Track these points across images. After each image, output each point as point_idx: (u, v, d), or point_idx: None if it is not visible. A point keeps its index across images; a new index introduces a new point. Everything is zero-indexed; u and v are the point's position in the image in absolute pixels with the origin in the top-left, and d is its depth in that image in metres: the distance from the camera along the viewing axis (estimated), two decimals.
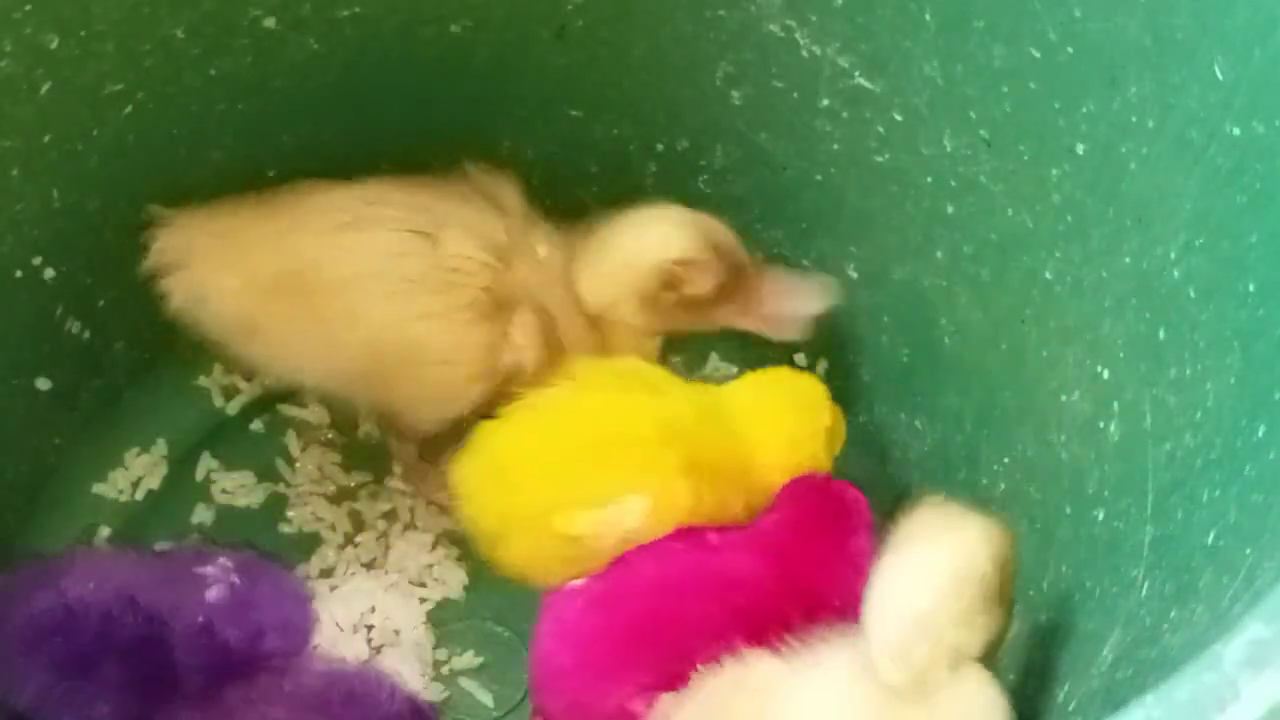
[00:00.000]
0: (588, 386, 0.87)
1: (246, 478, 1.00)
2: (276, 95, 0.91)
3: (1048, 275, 0.78)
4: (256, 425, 1.02)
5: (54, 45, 0.78)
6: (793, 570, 0.82)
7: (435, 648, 0.95)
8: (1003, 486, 0.87)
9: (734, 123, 0.91)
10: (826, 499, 0.86)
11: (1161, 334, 0.70)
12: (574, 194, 1.00)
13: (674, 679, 0.77)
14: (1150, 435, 0.71)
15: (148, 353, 0.91)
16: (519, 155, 0.98)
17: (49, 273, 0.89)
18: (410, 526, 0.99)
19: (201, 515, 0.98)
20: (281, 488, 1.00)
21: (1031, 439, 0.83)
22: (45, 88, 0.80)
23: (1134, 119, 0.68)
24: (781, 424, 0.88)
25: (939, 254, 0.86)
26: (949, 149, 0.80)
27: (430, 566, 0.97)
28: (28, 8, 0.75)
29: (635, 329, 0.92)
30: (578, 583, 0.83)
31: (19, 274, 0.87)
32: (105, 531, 0.97)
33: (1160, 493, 0.70)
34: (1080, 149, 0.72)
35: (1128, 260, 0.72)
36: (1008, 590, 0.70)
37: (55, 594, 0.82)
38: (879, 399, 0.96)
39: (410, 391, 0.91)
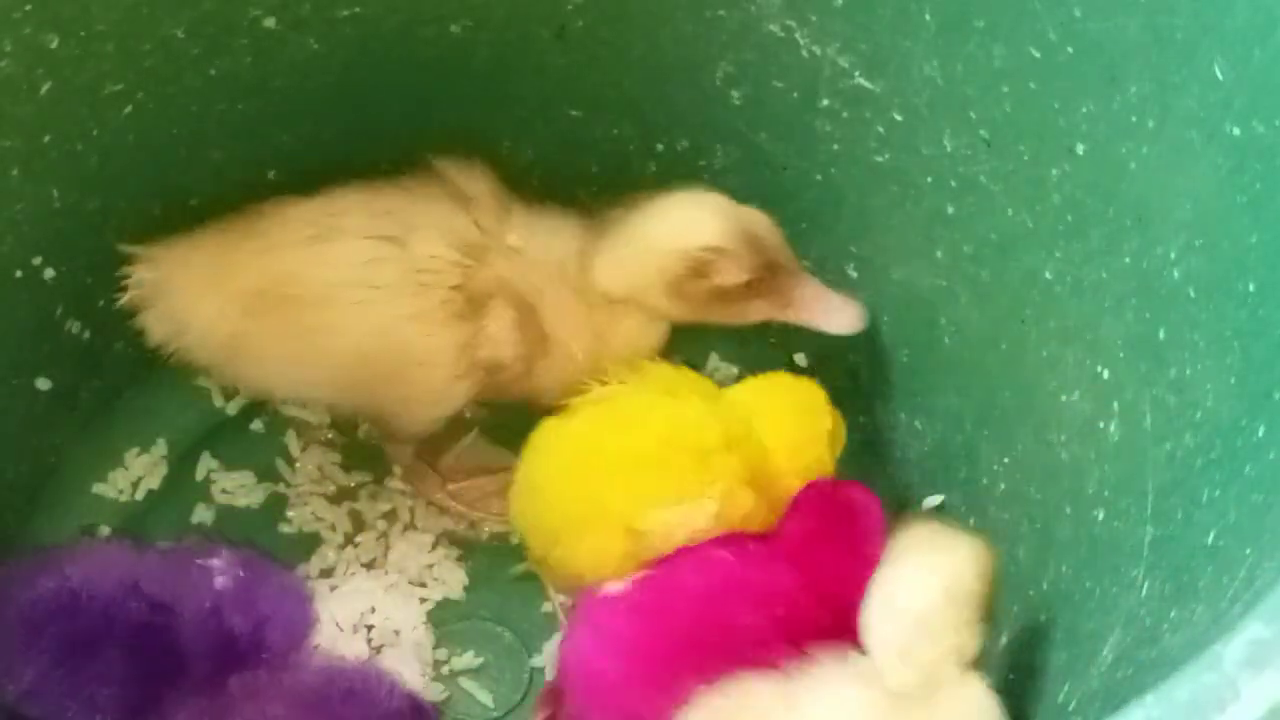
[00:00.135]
0: (647, 388, 0.88)
1: (246, 478, 1.00)
2: (276, 95, 0.91)
3: (1048, 275, 0.78)
4: (256, 425, 1.02)
5: (54, 45, 0.78)
6: (819, 579, 0.83)
7: (435, 648, 0.94)
8: (1003, 486, 0.87)
9: (734, 123, 0.91)
10: (841, 506, 0.86)
11: (1161, 334, 0.70)
12: (574, 194, 1.00)
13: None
14: (1150, 435, 0.71)
15: (148, 353, 0.91)
16: (519, 155, 0.98)
17: (49, 273, 0.89)
18: (410, 526, 0.99)
19: (201, 515, 0.98)
20: (281, 488, 1.00)
21: (1031, 439, 0.83)
22: (45, 88, 0.80)
23: (1134, 119, 0.68)
24: (785, 429, 0.88)
25: (939, 254, 0.86)
26: (949, 149, 0.80)
27: (430, 566, 0.97)
28: (28, 8, 0.75)
29: (643, 315, 0.91)
30: (617, 588, 0.83)
31: (19, 274, 0.87)
32: (105, 531, 0.97)
33: (1160, 493, 0.70)
34: (1080, 149, 0.72)
35: (1128, 260, 0.72)
36: (990, 607, 0.72)
37: (59, 578, 0.82)
38: (879, 399, 0.96)
39: (396, 395, 0.91)
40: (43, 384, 0.93)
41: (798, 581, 0.82)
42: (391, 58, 0.91)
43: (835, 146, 0.87)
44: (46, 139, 0.83)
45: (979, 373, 0.87)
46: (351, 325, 0.88)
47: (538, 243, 0.91)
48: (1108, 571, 0.74)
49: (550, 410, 0.90)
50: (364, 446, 1.01)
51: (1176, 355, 0.69)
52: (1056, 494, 0.81)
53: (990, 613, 0.72)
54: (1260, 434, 0.61)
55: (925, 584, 0.71)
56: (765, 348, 1.00)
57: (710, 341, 1.03)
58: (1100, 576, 0.75)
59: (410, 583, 0.96)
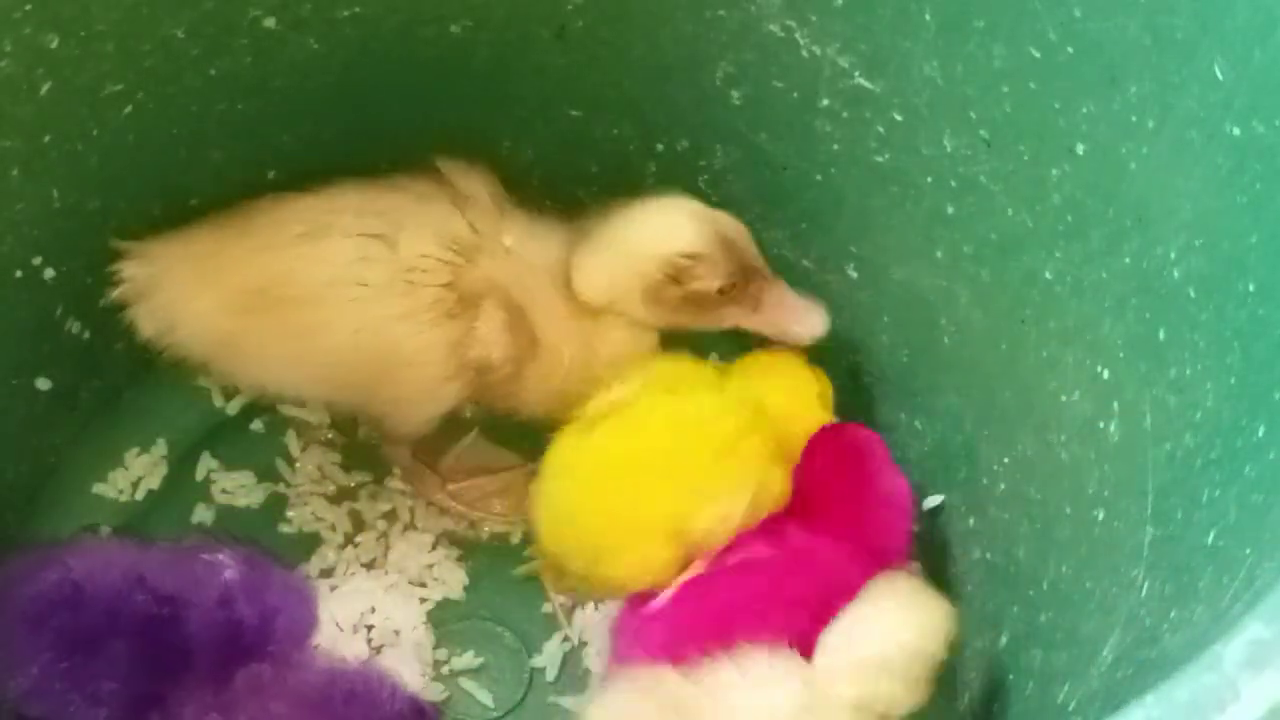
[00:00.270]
0: (652, 388, 0.88)
1: (246, 478, 1.00)
2: (276, 95, 0.91)
3: (1048, 275, 0.78)
4: (256, 425, 1.02)
5: (54, 45, 0.78)
6: (840, 525, 0.86)
7: (435, 648, 0.95)
8: (1003, 486, 0.87)
9: (734, 123, 0.91)
10: (847, 445, 0.89)
11: (1161, 334, 0.70)
12: (574, 194, 1.00)
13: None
14: (1150, 435, 0.71)
15: (148, 353, 0.91)
16: (519, 155, 0.98)
17: (49, 273, 0.89)
18: (410, 526, 0.99)
19: (201, 515, 0.98)
20: (281, 488, 1.00)
21: (1031, 439, 0.83)
22: (45, 88, 0.80)
23: (1134, 119, 0.68)
24: (786, 400, 0.90)
25: (939, 254, 0.86)
26: (949, 149, 0.80)
27: (430, 566, 0.97)
28: (28, 8, 0.75)
29: (632, 324, 0.91)
30: (664, 598, 0.84)
31: (19, 274, 0.87)
32: (105, 532, 0.97)
33: (1160, 493, 0.70)
34: (1080, 149, 0.72)
35: (1128, 260, 0.72)
36: (937, 673, 0.76)
37: (62, 572, 0.81)
38: (879, 399, 0.96)
39: (387, 395, 0.91)
40: (43, 384, 0.93)
41: (830, 548, 0.85)
42: (391, 58, 0.91)
43: (835, 146, 0.87)
44: (46, 139, 0.83)
45: (979, 373, 0.87)
46: (341, 324, 0.88)
47: (532, 247, 0.91)
48: (1108, 571, 0.74)
49: (545, 420, 0.90)
50: (364, 446, 1.01)
51: (1176, 355, 0.69)
52: (1056, 494, 0.81)
53: (933, 680, 0.76)
54: (1260, 434, 0.61)
55: (891, 631, 0.75)
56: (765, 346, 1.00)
57: (711, 343, 1.03)
58: (1100, 576, 0.75)
59: (410, 583, 0.96)
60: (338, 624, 0.92)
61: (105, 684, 0.80)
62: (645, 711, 0.77)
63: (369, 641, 0.93)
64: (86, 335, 0.94)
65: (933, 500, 0.93)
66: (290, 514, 0.99)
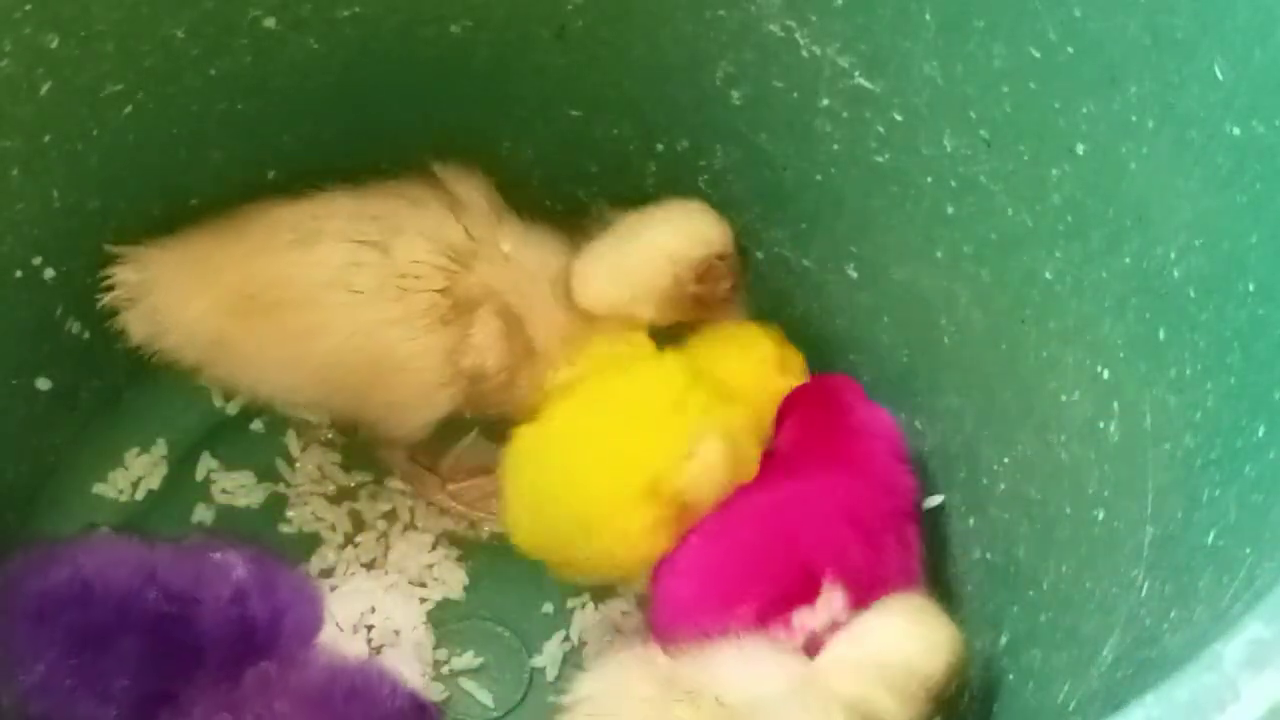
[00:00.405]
0: (599, 367, 0.89)
1: (246, 478, 1.00)
2: (276, 95, 0.91)
3: (1048, 275, 0.78)
4: (256, 425, 1.02)
5: (54, 45, 0.78)
6: (824, 468, 0.88)
7: (435, 648, 0.95)
8: (1003, 486, 0.87)
9: (734, 123, 0.91)
10: (816, 390, 0.92)
11: (1161, 334, 0.70)
12: (574, 194, 1.00)
13: (792, 592, 0.82)
14: (1150, 435, 0.71)
15: (148, 353, 0.91)
16: (519, 155, 0.98)
17: (49, 273, 0.89)
18: (410, 526, 0.99)
19: (201, 515, 0.98)
20: (281, 488, 1.00)
21: (1031, 439, 0.83)
22: (45, 88, 0.80)
23: (1134, 119, 0.68)
24: (736, 366, 0.92)
25: (939, 254, 0.86)
26: (949, 149, 0.80)
27: (430, 566, 0.97)
28: (28, 8, 0.75)
29: (624, 329, 0.92)
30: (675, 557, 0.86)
31: (19, 274, 0.87)
32: (105, 532, 0.96)
33: (1160, 493, 0.70)
34: (1080, 149, 0.72)
35: (1128, 260, 0.72)
36: (943, 696, 0.77)
37: (73, 568, 0.81)
38: (879, 399, 0.95)
39: (381, 400, 0.91)
40: (43, 384, 0.93)
41: (826, 483, 0.87)
42: (391, 58, 0.91)
43: (835, 146, 0.87)
44: (46, 139, 0.83)
45: (979, 373, 0.87)
46: (334, 329, 0.88)
47: (528, 253, 0.92)
48: (1108, 571, 0.74)
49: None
50: (364, 446, 1.01)
51: (1176, 355, 0.69)
52: (1056, 494, 0.81)
53: (939, 702, 0.77)
54: (1260, 434, 0.61)
55: (894, 642, 0.76)
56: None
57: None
58: (1100, 576, 0.75)
59: (410, 583, 0.96)
60: (338, 624, 0.92)
61: (115, 681, 0.79)
62: (640, 683, 0.77)
63: (369, 641, 0.93)
64: (86, 335, 0.94)
65: (933, 500, 0.93)
66: (290, 514, 0.99)
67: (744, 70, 0.88)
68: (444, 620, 0.95)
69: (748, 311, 0.97)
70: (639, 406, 0.87)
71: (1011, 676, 0.83)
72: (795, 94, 0.87)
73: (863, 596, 0.82)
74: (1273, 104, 0.60)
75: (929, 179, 0.83)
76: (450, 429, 0.97)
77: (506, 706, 0.94)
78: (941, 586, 0.92)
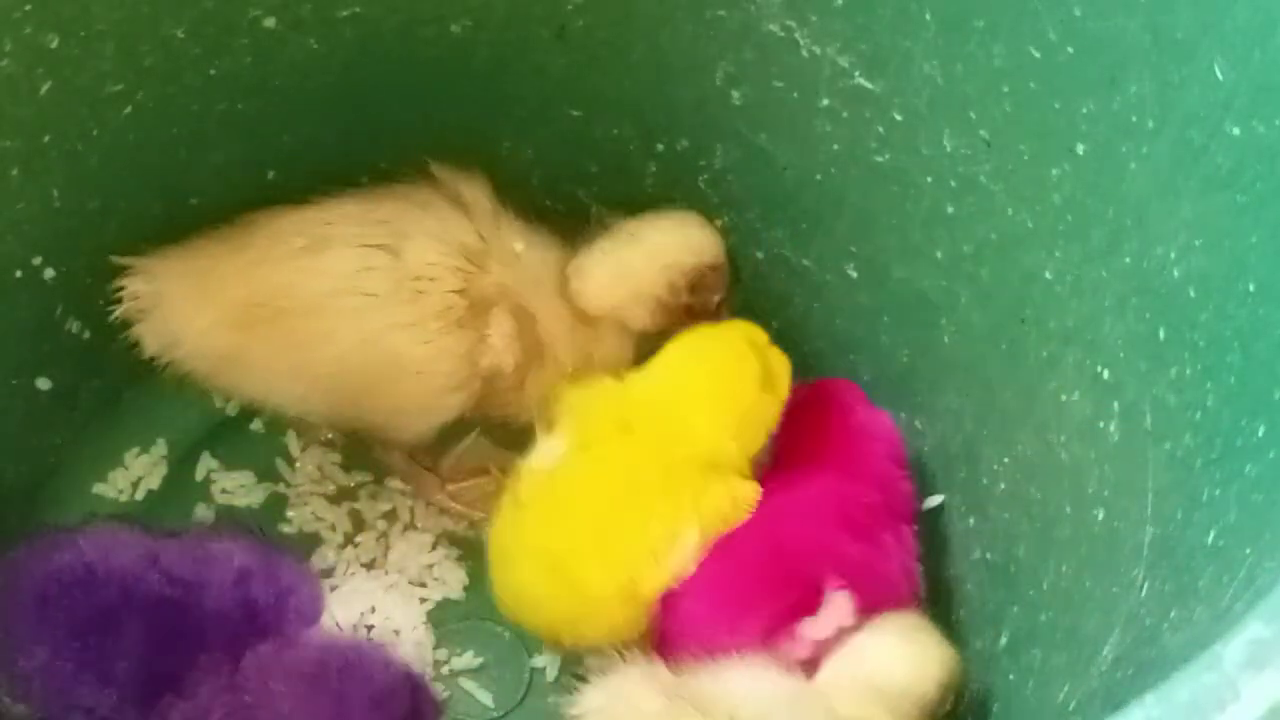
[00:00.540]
0: (570, 447, 0.86)
1: (246, 478, 1.00)
2: (276, 95, 0.91)
3: (1048, 275, 0.78)
4: (256, 425, 1.02)
5: (54, 45, 0.78)
6: (827, 474, 0.88)
7: (435, 648, 0.95)
8: (1003, 486, 0.87)
9: (734, 123, 0.91)
10: (813, 395, 0.91)
11: (1161, 334, 0.70)
12: (574, 194, 1.00)
13: (797, 603, 0.82)
14: (1150, 435, 0.71)
15: (153, 357, 0.91)
16: (519, 155, 0.98)
17: (49, 273, 0.89)
18: (410, 526, 0.99)
19: (201, 515, 0.98)
20: (281, 488, 1.00)
21: (1031, 439, 0.83)
22: (45, 88, 0.80)
23: (1134, 119, 0.68)
24: (705, 402, 0.87)
25: (939, 254, 0.86)
26: (949, 149, 0.80)
27: (430, 566, 0.97)
28: (28, 8, 0.75)
29: (622, 330, 0.92)
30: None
31: (19, 274, 0.87)
32: (107, 520, 0.96)
33: (1160, 493, 0.70)
34: (1080, 149, 0.72)
35: (1128, 260, 0.72)
36: (938, 711, 0.80)
37: (74, 553, 0.81)
38: (879, 399, 0.95)
39: (391, 405, 0.91)
40: (43, 384, 0.93)
41: (826, 484, 0.87)
42: (391, 58, 0.91)
43: (835, 146, 0.87)
44: (46, 139, 0.83)
45: (979, 373, 0.87)
46: (345, 334, 0.88)
47: (533, 254, 0.92)
48: (1108, 571, 0.74)
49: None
50: (364, 446, 1.01)
51: (1176, 355, 0.69)
52: (1056, 494, 0.81)
53: (933, 715, 0.79)
54: (1260, 434, 0.61)
55: (889, 662, 0.78)
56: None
57: None
58: (1100, 576, 0.75)
59: (410, 583, 0.96)
60: (338, 624, 0.92)
61: (118, 664, 0.79)
62: (646, 698, 0.77)
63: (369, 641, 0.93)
64: (86, 335, 0.94)
65: (933, 500, 0.93)
66: (290, 514, 0.99)
67: (744, 70, 0.88)
68: (444, 620, 0.95)
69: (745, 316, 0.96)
70: (614, 504, 0.84)
71: (1011, 676, 0.83)
72: (795, 94, 0.87)
73: (866, 598, 0.82)
74: (1273, 104, 0.60)
75: (929, 179, 0.83)
76: (450, 429, 0.97)
77: (506, 706, 0.94)
78: (941, 586, 0.92)
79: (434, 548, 0.98)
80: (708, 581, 0.84)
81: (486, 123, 0.96)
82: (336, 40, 0.88)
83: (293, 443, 1.01)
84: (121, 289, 0.89)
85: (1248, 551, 0.59)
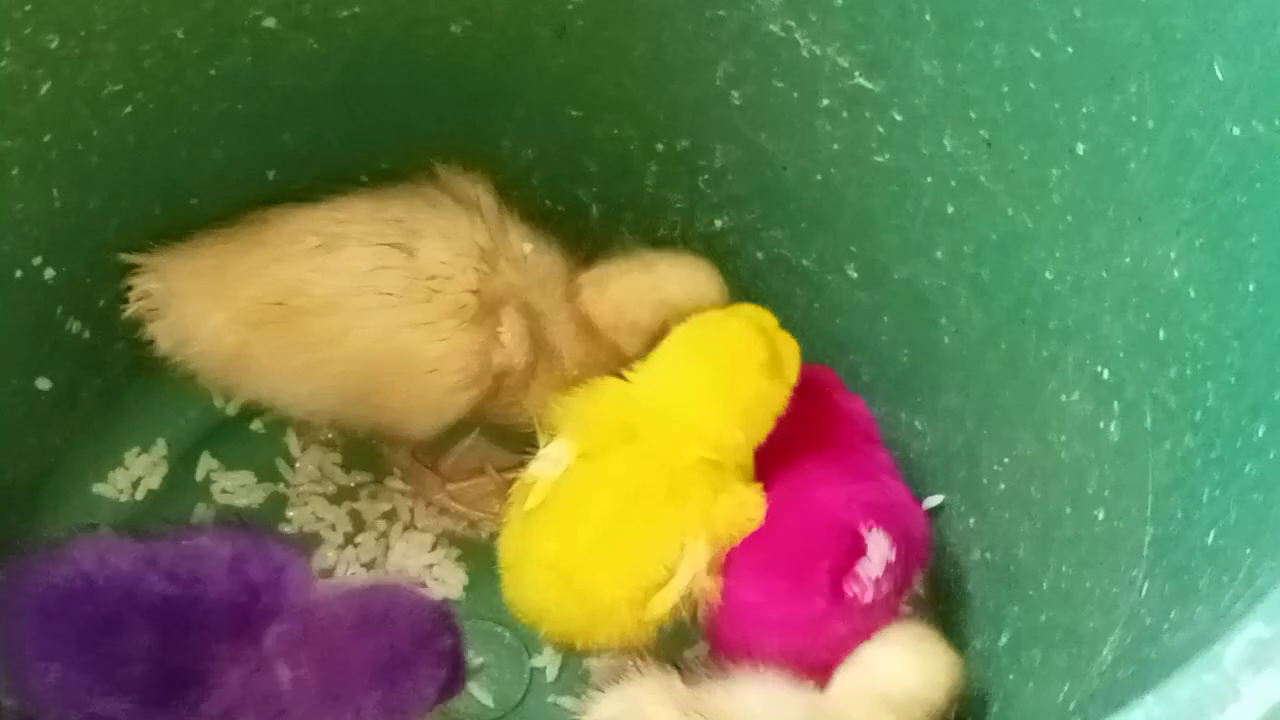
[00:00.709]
0: (573, 457, 0.85)
1: (246, 478, 1.00)
2: (276, 95, 0.91)
3: (1048, 275, 0.78)
4: (256, 425, 1.02)
5: (54, 45, 0.78)
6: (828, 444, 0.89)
7: None
8: (1003, 486, 0.87)
9: (734, 123, 0.91)
10: (795, 393, 0.89)
11: (1161, 334, 0.70)
12: (574, 194, 1.00)
13: (852, 549, 0.83)
14: (1150, 435, 0.71)
15: (148, 353, 0.91)
16: (519, 155, 0.98)
17: (49, 273, 0.89)
18: (410, 526, 0.99)
19: (201, 515, 0.98)
20: (281, 488, 1.00)
21: (1031, 439, 0.83)
22: (45, 88, 0.80)
23: (1134, 119, 0.68)
24: (708, 396, 0.86)
25: (939, 254, 0.86)
26: (949, 149, 0.80)
27: (430, 566, 0.97)
28: (28, 8, 0.75)
29: (623, 347, 0.92)
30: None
31: (19, 274, 0.87)
32: (104, 531, 0.96)
33: (1160, 493, 0.70)
34: (1080, 149, 0.72)
35: (1128, 260, 0.72)
36: (944, 716, 0.81)
37: (70, 566, 0.81)
38: (879, 399, 0.96)
39: (402, 403, 0.91)
40: (43, 384, 0.93)
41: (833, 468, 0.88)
42: (392, 58, 0.91)
43: (835, 146, 0.87)
44: (47, 139, 0.83)
45: (979, 373, 0.87)
46: (359, 333, 0.88)
47: (539, 256, 0.92)
48: (1108, 571, 0.74)
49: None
50: (364, 446, 1.01)
51: (1176, 355, 0.69)
52: (1056, 494, 0.81)
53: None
54: (1260, 434, 0.61)
55: (899, 672, 0.80)
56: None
57: None
58: (1100, 576, 0.75)
59: (410, 583, 0.96)
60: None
61: (133, 668, 0.79)
62: (660, 709, 0.77)
63: None
64: (86, 335, 0.94)
65: (933, 500, 0.93)
66: (290, 514, 0.99)
67: (744, 70, 0.88)
68: None
69: None
70: (621, 511, 0.84)
71: (1011, 676, 0.83)
72: (795, 94, 0.87)
73: (893, 530, 0.84)
74: (1273, 104, 0.60)
75: (929, 179, 0.83)
76: (451, 429, 0.97)
77: (506, 706, 0.94)
78: (941, 586, 0.92)
79: (434, 548, 0.98)
80: (762, 564, 0.84)
81: (487, 123, 0.96)
82: (337, 40, 0.88)
83: (293, 443, 1.01)
84: (129, 288, 0.89)
85: (1248, 551, 0.59)
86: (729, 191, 0.96)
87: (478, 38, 0.91)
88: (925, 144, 0.82)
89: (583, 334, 0.92)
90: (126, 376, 0.98)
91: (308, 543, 0.97)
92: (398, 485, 1.00)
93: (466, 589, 0.97)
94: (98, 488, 0.98)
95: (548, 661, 0.95)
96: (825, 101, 0.85)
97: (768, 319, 0.89)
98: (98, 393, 0.98)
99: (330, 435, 1.01)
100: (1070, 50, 0.70)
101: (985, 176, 0.79)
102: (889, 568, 0.83)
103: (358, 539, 0.98)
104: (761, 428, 0.86)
